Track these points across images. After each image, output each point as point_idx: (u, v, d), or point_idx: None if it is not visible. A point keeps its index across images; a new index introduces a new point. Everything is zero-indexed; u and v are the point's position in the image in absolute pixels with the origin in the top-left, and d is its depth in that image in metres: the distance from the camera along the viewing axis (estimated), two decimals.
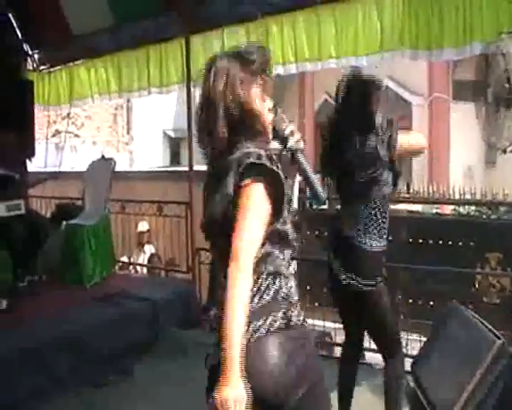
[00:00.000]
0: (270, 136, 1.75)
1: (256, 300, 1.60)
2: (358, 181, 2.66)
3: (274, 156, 1.62)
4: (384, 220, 2.69)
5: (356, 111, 2.69)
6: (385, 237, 2.73)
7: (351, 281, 2.66)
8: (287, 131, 1.79)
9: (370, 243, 2.67)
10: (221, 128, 1.63)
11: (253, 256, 1.55)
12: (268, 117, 1.73)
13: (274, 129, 1.76)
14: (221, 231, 1.62)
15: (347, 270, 2.68)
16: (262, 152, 1.58)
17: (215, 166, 1.70)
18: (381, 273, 2.76)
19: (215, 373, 1.53)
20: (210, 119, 1.65)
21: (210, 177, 1.75)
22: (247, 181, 1.55)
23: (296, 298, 1.69)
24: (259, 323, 1.58)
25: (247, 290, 1.52)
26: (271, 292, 1.63)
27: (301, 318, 1.67)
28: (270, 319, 1.59)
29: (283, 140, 1.79)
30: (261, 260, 1.61)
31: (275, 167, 1.58)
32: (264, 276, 1.63)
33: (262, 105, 1.70)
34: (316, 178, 1.85)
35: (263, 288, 1.63)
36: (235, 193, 1.57)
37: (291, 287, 1.69)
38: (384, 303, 2.75)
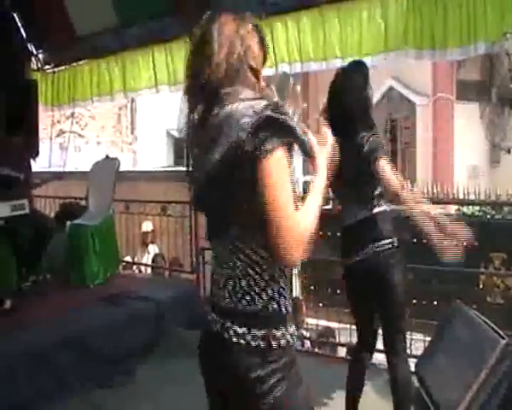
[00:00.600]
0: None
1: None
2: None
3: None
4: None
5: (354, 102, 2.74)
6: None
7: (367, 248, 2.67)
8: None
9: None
10: (217, 75, 1.49)
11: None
12: (262, 82, 1.62)
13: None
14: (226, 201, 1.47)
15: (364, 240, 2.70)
16: (276, 100, 1.47)
17: (206, 118, 1.50)
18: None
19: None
20: (204, 64, 1.51)
21: (197, 131, 1.53)
22: (268, 148, 1.37)
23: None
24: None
25: None
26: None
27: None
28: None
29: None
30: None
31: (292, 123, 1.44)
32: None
33: (259, 65, 1.60)
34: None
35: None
36: (250, 162, 1.38)
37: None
38: (400, 272, 2.72)
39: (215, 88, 1.50)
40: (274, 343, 1.46)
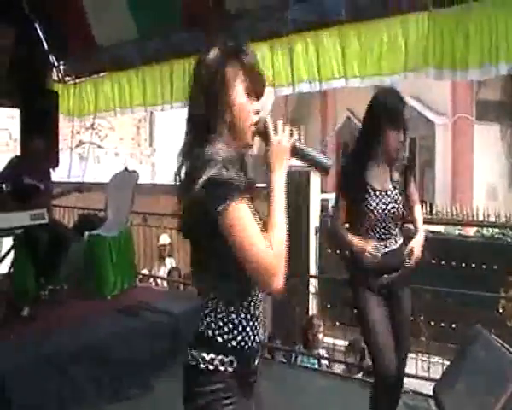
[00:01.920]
0: (252, 139, 1.63)
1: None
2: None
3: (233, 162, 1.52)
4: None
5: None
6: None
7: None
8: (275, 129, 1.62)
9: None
10: (200, 122, 1.55)
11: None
12: (252, 118, 1.60)
13: (264, 130, 1.61)
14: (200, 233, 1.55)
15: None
16: (218, 158, 1.47)
17: (190, 150, 1.57)
18: None
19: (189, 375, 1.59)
20: (192, 98, 1.58)
21: (183, 158, 1.60)
22: (219, 209, 1.44)
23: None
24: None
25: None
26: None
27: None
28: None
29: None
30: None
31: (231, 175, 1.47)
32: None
33: (246, 103, 1.58)
34: (315, 151, 1.68)
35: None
36: (209, 217, 1.46)
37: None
38: None
39: (196, 124, 1.57)
40: (202, 365, 1.54)
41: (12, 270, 4.98)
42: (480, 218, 7.39)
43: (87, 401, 3.55)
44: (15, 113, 7.49)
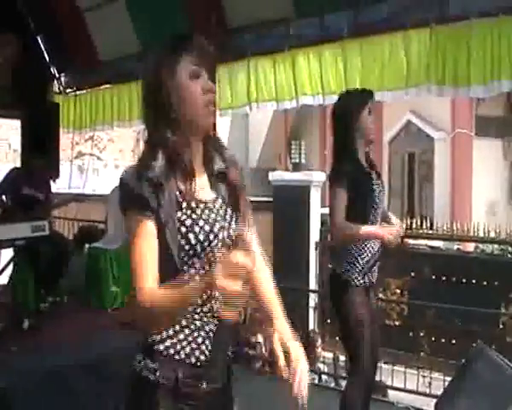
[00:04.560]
0: (203, 121, 1.48)
1: None
2: None
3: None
4: None
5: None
6: None
7: None
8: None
9: None
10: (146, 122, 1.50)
11: None
12: (202, 98, 1.46)
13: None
14: None
15: None
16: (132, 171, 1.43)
17: None
18: None
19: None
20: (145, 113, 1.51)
21: None
22: (124, 215, 1.45)
23: None
24: None
25: None
26: None
27: None
28: None
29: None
30: None
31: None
32: None
33: (191, 84, 1.45)
34: None
35: None
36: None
37: None
38: None
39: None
40: (136, 369, 1.47)
41: (12, 282, 4.96)
42: (481, 234, 7.38)
43: None
44: (16, 124, 7.51)
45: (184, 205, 1.43)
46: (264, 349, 5.76)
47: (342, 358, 4.82)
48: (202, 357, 1.47)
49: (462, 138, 11.35)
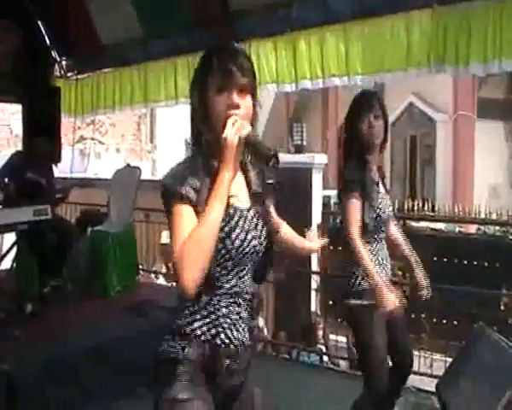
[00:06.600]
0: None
1: None
2: None
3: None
4: None
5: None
6: None
7: None
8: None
9: None
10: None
11: None
12: (226, 112, 1.58)
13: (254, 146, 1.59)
14: None
15: None
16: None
17: None
18: None
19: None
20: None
21: None
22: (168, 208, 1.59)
23: None
24: None
25: None
26: None
27: None
28: None
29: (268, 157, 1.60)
30: None
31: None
32: None
33: (218, 98, 1.59)
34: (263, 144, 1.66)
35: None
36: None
37: None
38: None
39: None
40: (163, 352, 1.61)
41: (15, 266, 4.99)
42: (483, 216, 7.37)
43: (94, 398, 3.54)
44: (18, 108, 7.49)
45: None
46: (265, 331, 5.81)
47: (344, 339, 4.85)
48: (227, 340, 1.60)
49: (464, 120, 11.29)
